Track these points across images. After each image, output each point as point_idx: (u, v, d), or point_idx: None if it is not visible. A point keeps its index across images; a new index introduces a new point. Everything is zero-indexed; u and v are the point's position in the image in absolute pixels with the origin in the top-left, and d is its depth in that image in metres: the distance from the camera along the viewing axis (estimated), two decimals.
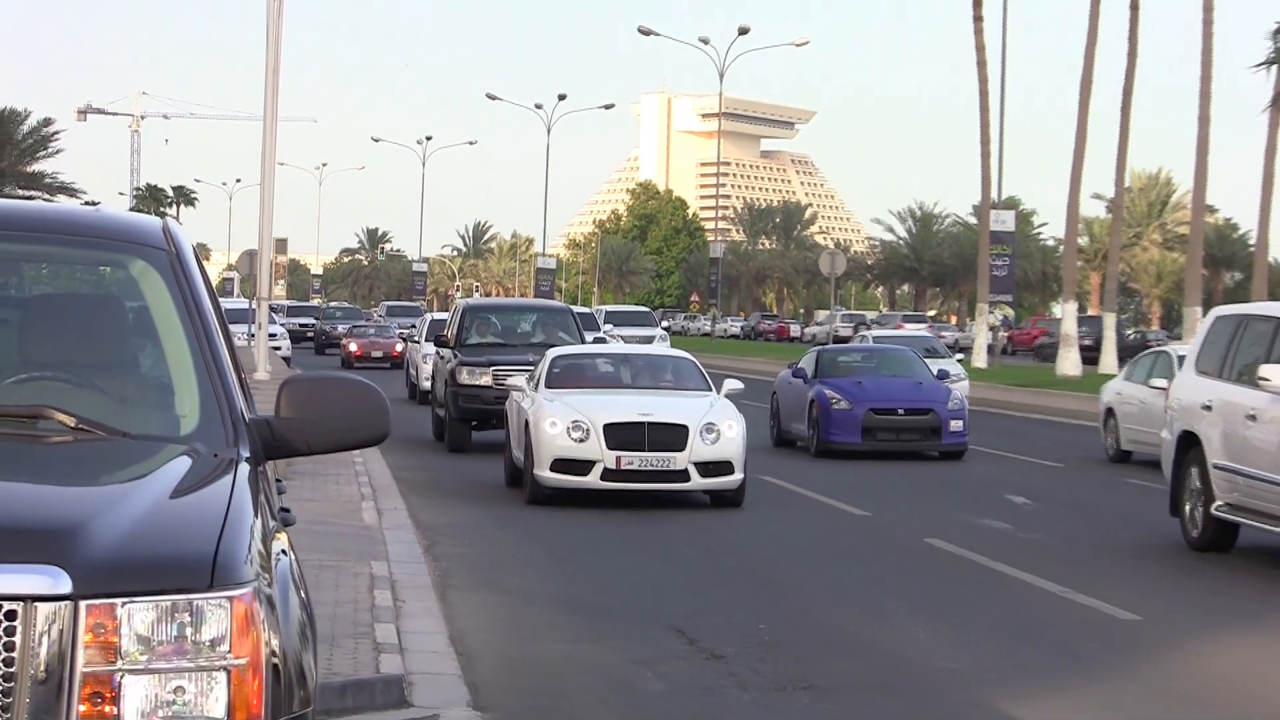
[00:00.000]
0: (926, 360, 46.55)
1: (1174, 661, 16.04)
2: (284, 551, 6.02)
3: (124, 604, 5.05)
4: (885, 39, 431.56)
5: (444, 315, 54.71)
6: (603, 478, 25.53)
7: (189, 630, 5.08)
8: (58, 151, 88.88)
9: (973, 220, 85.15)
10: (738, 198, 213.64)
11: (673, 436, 25.65)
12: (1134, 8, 68.02)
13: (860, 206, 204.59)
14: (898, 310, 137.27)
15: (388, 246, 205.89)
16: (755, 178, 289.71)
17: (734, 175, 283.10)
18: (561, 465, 25.64)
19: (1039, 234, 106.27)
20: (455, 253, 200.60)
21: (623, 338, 66.50)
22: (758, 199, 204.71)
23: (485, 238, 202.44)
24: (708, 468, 25.74)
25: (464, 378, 34.34)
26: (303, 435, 6.53)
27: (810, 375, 37.96)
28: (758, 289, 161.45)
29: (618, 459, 25.48)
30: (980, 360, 72.05)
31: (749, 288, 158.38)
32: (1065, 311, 72.41)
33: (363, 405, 6.54)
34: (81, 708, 5.01)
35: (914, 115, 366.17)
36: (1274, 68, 61.90)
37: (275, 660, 5.30)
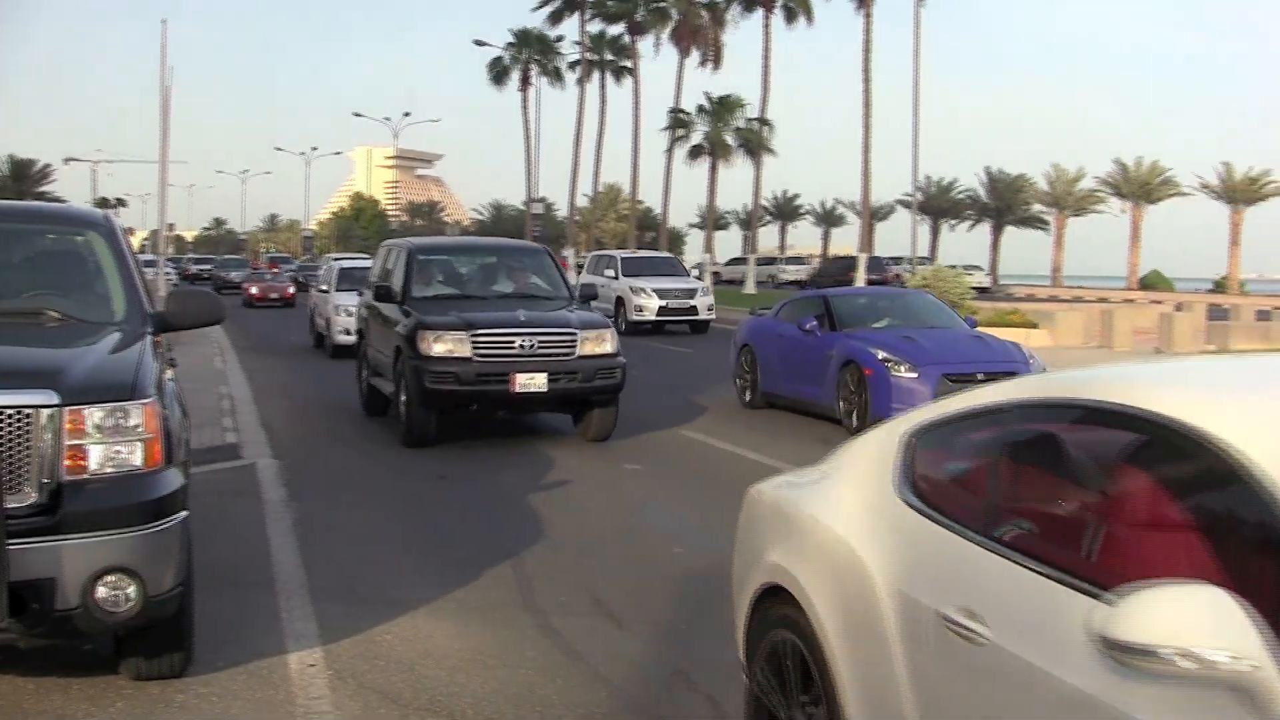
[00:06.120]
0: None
1: None
2: (171, 379, 6.11)
3: (87, 409, 5.05)
4: (481, 114, 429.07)
5: (359, 261, 28.62)
6: None
7: (121, 420, 5.11)
8: (53, 181, 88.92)
9: (523, 208, 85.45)
10: (405, 199, 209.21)
11: None
12: (602, 112, 68.29)
13: (468, 202, 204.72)
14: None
15: (224, 224, 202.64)
16: (414, 189, 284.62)
17: (403, 187, 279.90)
18: None
19: (556, 214, 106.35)
20: (265, 226, 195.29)
21: (654, 290, 30.52)
22: (415, 199, 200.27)
23: (276, 221, 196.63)
24: None
25: (431, 347, 12.68)
26: (178, 319, 6.60)
27: (825, 326, 15.32)
28: None
29: None
30: None
31: None
32: (570, 254, 72.85)
33: (209, 304, 6.81)
34: (67, 463, 5.00)
35: (494, 152, 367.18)
36: (668, 132, 63.48)
37: (167, 435, 5.30)
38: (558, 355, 12.95)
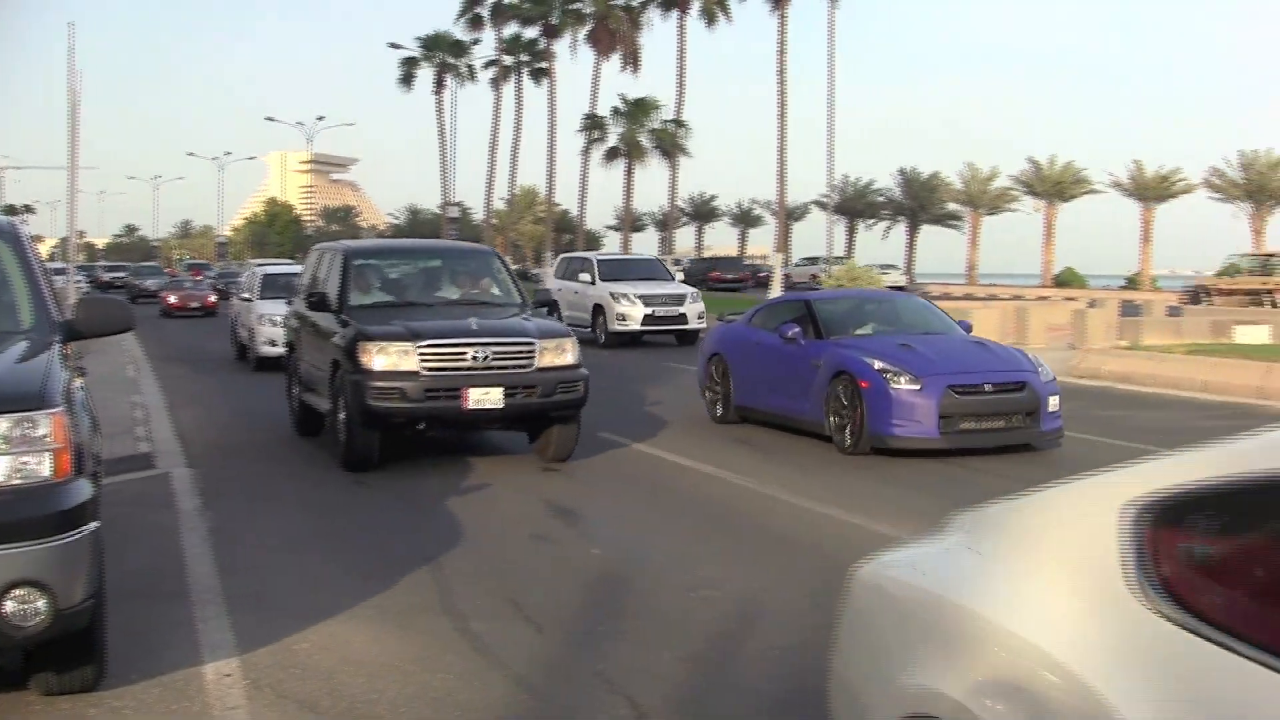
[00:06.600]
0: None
1: None
2: (81, 388, 6.04)
3: None
4: (397, 118, 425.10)
5: (284, 267, 25.96)
6: None
7: (29, 431, 5.03)
8: None
9: (439, 211, 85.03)
10: (321, 204, 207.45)
11: None
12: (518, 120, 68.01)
13: (384, 206, 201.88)
14: None
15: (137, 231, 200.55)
16: (329, 193, 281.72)
17: (318, 192, 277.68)
18: None
19: (472, 217, 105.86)
20: (178, 233, 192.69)
21: (638, 297, 26.95)
22: (330, 203, 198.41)
23: (190, 227, 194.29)
24: None
25: (373, 360, 11.30)
26: (87, 327, 6.47)
27: (809, 333, 13.77)
28: None
29: None
30: None
31: None
32: None
33: (118, 311, 6.66)
34: None
35: (411, 156, 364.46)
36: (584, 134, 63.49)
37: (77, 445, 5.22)
38: (514, 367, 11.60)
